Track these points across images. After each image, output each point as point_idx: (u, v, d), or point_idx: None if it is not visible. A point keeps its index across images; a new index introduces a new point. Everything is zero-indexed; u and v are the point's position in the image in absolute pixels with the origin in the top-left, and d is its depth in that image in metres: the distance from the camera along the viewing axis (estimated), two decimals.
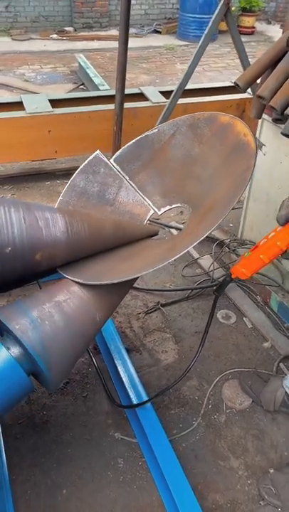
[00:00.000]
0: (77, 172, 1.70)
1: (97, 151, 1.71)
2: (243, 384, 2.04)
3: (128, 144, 1.74)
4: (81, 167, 1.70)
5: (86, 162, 1.71)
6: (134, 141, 1.74)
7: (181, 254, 1.26)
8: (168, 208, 1.71)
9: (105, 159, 1.71)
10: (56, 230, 1.36)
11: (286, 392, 1.88)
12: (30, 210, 1.33)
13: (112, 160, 1.72)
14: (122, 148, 1.74)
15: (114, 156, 1.73)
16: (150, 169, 1.73)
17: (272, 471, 1.76)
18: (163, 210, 1.72)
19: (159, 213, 1.72)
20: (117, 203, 1.73)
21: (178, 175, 1.69)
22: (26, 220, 1.30)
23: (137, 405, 1.84)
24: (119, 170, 1.73)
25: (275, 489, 1.69)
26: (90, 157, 1.70)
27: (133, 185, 1.72)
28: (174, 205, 1.71)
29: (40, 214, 1.35)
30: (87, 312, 1.36)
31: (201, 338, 1.71)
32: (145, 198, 1.72)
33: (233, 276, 1.55)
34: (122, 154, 1.74)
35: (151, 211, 1.72)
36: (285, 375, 2.11)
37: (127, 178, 1.72)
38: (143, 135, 1.73)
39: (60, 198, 1.69)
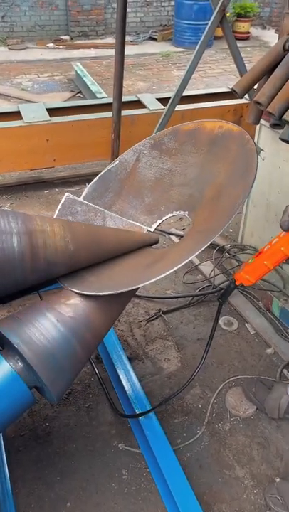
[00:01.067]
0: (56, 216, 1.64)
1: (66, 194, 1.67)
2: (246, 391, 2.03)
3: (92, 181, 1.75)
4: (57, 213, 1.64)
5: (59, 207, 1.65)
6: (97, 177, 1.75)
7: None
8: (159, 222, 1.71)
9: (78, 198, 1.67)
10: (56, 240, 1.35)
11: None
12: (29, 221, 1.32)
13: (81, 199, 1.69)
14: (88, 186, 1.74)
15: (83, 196, 1.72)
16: (124, 196, 1.74)
17: (278, 480, 1.74)
18: (155, 225, 1.71)
19: (152, 230, 1.71)
20: (116, 216, 1.72)
21: (158, 190, 1.70)
22: (26, 231, 1.30)
23: (140, 415, 1.83)
24: (93, 204, 1.71)
25: (281, 498, 1.67)
26: (62, 201, 1.64)
27: (115, 214, 1.70)
28: (166, 217, 1.70)
29: (39, 224, 1.34)
30: (88, 323, 1.35)
31: (205, 346, 1.70)
32: (132, 221, 1.71)
33: (237, 283, 1.54)
34: (89, 192, 1.74)
35: (145, 229, 1.71)
36: None
37: (104, 211, 1.70)
38: (106, 170, 1.75)
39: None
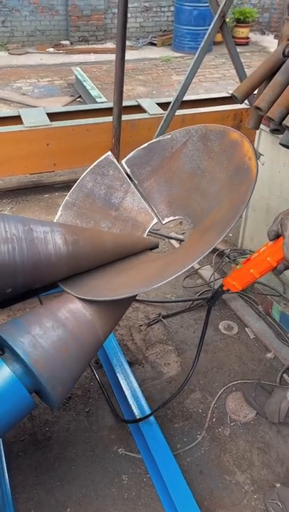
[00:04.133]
0: (86, 172, 1.69)
1: (108, 153, 1.70)
2: (246, 396, 2.02)
3: (140, 147, 1.72)
4: (91, 167, 1.69)
5: (96, 163, 1.69)
6: (146, 144, 1.70)
7: (184, 271, 1.26)
8: (171, 218, 1.69)
9: (115, 161, 1.69)
10: (56, 244, 1.35)
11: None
12: (29, 226, 1.33)
13: (123, 161, 1.70)
14: (134, 150, 1.71)
15: (126, 158, 1.71)
16: (159, 176, 1.70)
17: (278, 485, 1.73)
18: (167, 220, 1.70)
19: (163, 223, 1.71)
20: (122, 209, 1.71)
21: (185, 186, 1.66)
22: (26, 236, 1.30)
23: (140, 420, 1.82)
24: (129, 173, 1.70)
25: (282, 504, 1.66)
26: (101, 158, 1.68)
27: (141, 191, 1.69)
28: (177, 217, 1.69)
29: (39, 229, 1.34)
30: (88, 327, 1.35)
31: (197, 348, 1.67)
32: (152, 205, 1.69)
33: (224, 288, 1.52)
34: (133, 157, 1.72)
35: (155, 220, 1.70)
36: None
37: (136, 183, 1.70)
38: (156, 140, 1.70)
39: (66, 197, 1.68)
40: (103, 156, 1.69)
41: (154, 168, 1.70)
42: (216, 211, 1.48)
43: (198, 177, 1.62)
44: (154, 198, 1.70)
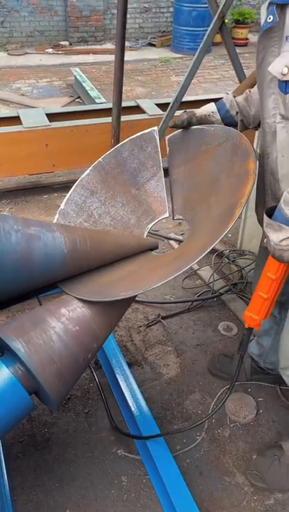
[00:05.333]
0: (128, 140, 1.68)
1: (154, 128, 1.68)
2: (211, 370, 2.15)
3: (188, 130, 1.64)
4: (133, 137, 1.67)
5: (140, 134, 1.67)
6: (192, 129, 1.63)
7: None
8: (181, 218, 1.66)
9: (157, 140, 1.67)
10: (56, 245, 1.35)
11: (252, 358, 1.98)
12: (29, 227, 1.32)
13: (167, 137, 1.67)
14: (179, 131, 1.66)
15: (170, 135, 1.68)
16: (188, 168, 1.65)
17: (254, 457, 1.81)
18: (176, 217, 1.66)
19: (173, 219, 1.69)
20: (143, 190, 1.70)
21: (202, 190, 1.58)
22: (25, 237, 1.30)
23: (144, 437, 1.81)
24: (168, 152, 1.67)
25: (260, 474, 1.74)
26: (146, 131, 1.66)
27: (159, 184, 1.66)
28: (185, 218, 1.65)
29: (39, 230, 1.34)
30: (88, 329, 1.34)
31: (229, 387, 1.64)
32: (172, 198, 1.66)
33: (246, 326, 1.50)
34: (175, 137, 1.67)
35: (166, 214, 1.68)
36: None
37: (158, 173, 1.66)
38: (200, 126, 1.62)
39: (100, 158, 1.68)
40: (148, 130, 1.66)
41: (187, 157, 1.65)
42: (208, 229, 1.47)
43: (214, 189, 1.51)
44: (175, 190, 1.67)
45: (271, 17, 1.23)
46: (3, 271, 1.26)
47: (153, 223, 1.70)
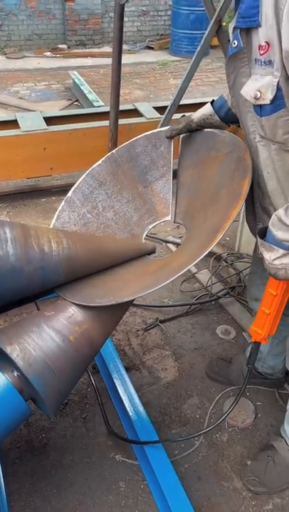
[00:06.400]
0: (142, 136, 1.68)
1: (169, 127, 1.67)
2: (210, 374, 2.14)
3: (200, 131, 1.62)
4: (149, 133, 1.66)
5: (156, 131, 1.66)
6: (204, 130, 1.60)
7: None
8: (180, 222, 1.65)
9: (171, 140, 1.65)
10: (53, 250, 1.34)
11: (247, 360, 1.91)
12: (26, 232, 1.32)
13: (182, 136, 1.66)
14: (193, 133, 1.63)
15: (185, 135, 1.66)
16: (196, 171, 1.62)
17: (249, 462, 1.80)
18: (177, 221, 1.65)
19: (174, 222, 1.67)
20: (150, 189, 1.69)
21: (205, 199, 1.54)
22: (23, 242, 1.29)
23: (142, 442, 1.80)
24: (180, 152, 1.65)
25: (257, 478, 1.74)
26: (162, 129, 1.65)
27: (166, 185, 1.65)
28: (184, 224, 1.64)
29: (36, 235, 1.33)
30: (85, 333, 1.34)
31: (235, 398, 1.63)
32: (176, 200, 1.65)
33: (253, 340, 1.50)
34: (190, 138, 1.65)
35: (169, 217, 1.67)
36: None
37: (178, 169, 1.65)
38: (212, 130, 1.59)
39: (114, 151, 1.67)
40: (165, 128, 1.66)
41: (197, 160, 1.62)
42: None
43: (214, 200, 1.47)
44: (180, 193, 1.65)
45: (236, 42, 1.18)
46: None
47: (154, 224, 1.69)
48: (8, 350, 1.21)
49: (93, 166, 1.69)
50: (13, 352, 1.21)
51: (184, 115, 1.64)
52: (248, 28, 1.14)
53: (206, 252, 1.22)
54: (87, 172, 1.69)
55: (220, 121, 1.59)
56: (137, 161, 1.69)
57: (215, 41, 3.64)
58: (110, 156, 1.69)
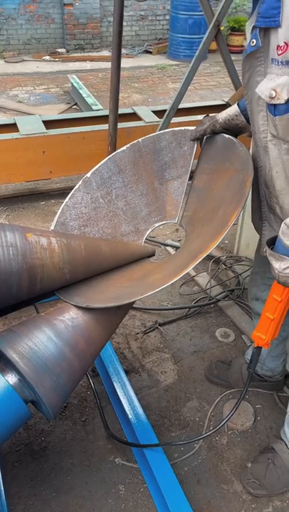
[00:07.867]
0: (169, 130, 1.66)
1: (196, 127, 1.64)
2: (209, 377, 2.15)
3: (223, 136, 1.58)
4: (176, 129, 1.64)
5: (183, 128, 1.64)
6: (226, 137, 1.56)
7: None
8: (182, 226, 1.65)
9: (196, 141, 1.64)
10: (52, 252, 1.35)
11: (248, 365, 1.91)
12: (24, 235, 1.32)
13: (205, 137, 1.63)
14: (216, 135, 1.59)
15: (208, 137, 1.62)
16: (210, 178, 1.59)
17: (249, 465, 1.80)
18: (181, 225, 1.65)
19: (179, 225, 1.66)
20: (164, 187, 1.68)
21: (209, 208, 1.53)
22: (22, 245, 1.29)
23: (141, 445, 1.79)
24: (202, 155, 1.63)
25: (258, 481, 1.74)
26: (189, 127, 1.63)
27: (174, 184, 1.63)
28: (184, 229, 1.64)
29: (35, 238, 1.34)
30: (85, 336, 1.34)
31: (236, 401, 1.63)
32: (185, 203, 1.63)
33: (255, 345, 1.51)
34: (212, 141, 1.60)
35: (175, 220, 1.66)
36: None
37: (195, 170, 1.63)
38: (233, 139, 1.54)
39: (140, 139, 1.66)
40: (191, 127, 1.63)
41: (214, 166, 1.59)
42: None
43: (213, 214, 1.44)
44: (191, 197, 1.63)
45: (254, 41, 1.20)
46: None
47: (160, 224, 1.69)
48: (7, 353, 1.21)
49: (117, 151, 1.67)
50: (13, 355, 1.21)
51: (207, 115, 1.61)
52: (266, 28, 1.16)
53: (185, 273, 1.23)
54: (110, 156, 1.67)
55: (245, 122, 1.55)
56: (159, 155, 1.67)
57: (213, 45, 3.66)
58: (136, 143, 1.67)
